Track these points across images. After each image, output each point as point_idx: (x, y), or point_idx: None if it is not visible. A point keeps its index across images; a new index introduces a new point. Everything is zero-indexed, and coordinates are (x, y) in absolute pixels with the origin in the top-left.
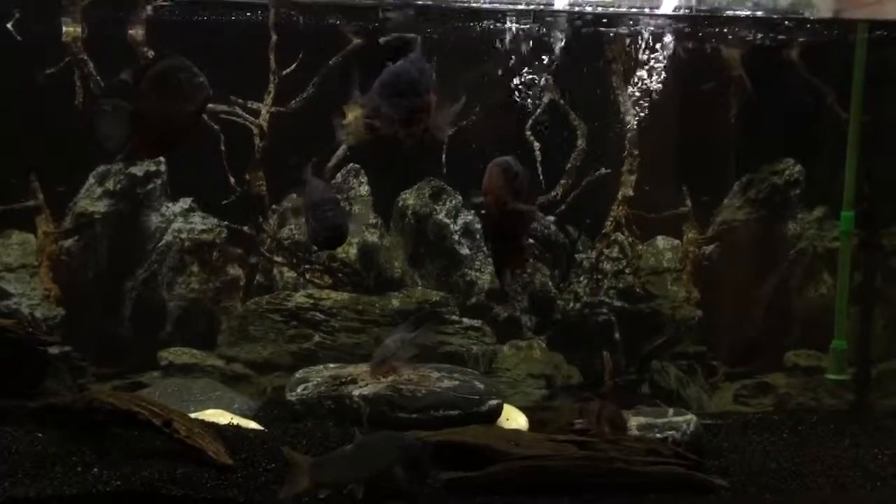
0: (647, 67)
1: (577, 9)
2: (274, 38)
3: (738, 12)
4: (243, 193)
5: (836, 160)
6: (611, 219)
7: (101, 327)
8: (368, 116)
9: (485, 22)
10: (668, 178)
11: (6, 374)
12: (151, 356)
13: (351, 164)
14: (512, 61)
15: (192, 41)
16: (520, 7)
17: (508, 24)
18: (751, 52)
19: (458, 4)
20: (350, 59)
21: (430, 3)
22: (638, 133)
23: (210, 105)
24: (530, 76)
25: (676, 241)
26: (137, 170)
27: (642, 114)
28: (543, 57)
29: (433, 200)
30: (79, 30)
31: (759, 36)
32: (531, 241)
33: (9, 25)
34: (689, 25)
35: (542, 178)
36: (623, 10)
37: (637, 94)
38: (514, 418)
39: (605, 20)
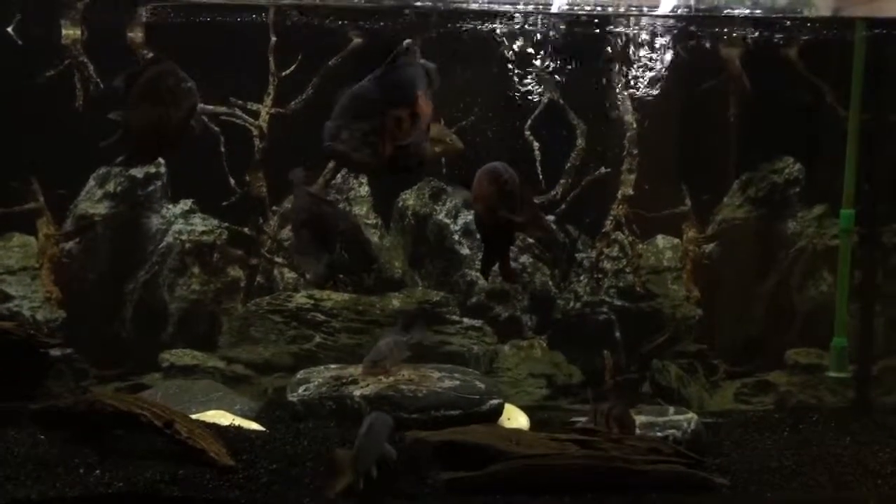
0: (645, 67)
1: (575, 9)
2: (273, 39)
3: (736, 11)
4: (243, 195)
5: (836, 158)
6: (611, 218)
7: (102, 329)
8: (324, 143)
9: (478, 22)
10: (667, 177)
11: (8, 377)
12: (153, 358)
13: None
14: (512, 61)
15: (193, 43)
16: (519, 7)
17: (503, 25)
18: (749, 50)
19: (454, 5)
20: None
21: (428, 3)
22: (637, 132)
23: (209, 107)
24: (532, 75)
25: (676, 240)
26: (138, 172)
27: (642, 113)
28: (543, 56)
29: (433, 201)
30: (78, 32)
31: (758, 34)
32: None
33: (9, 29)
34: (687, 25)
35: (541, 177)
36: (622, 10)
37: (636, 93)
38: (515, 418)
39: (603, 20)
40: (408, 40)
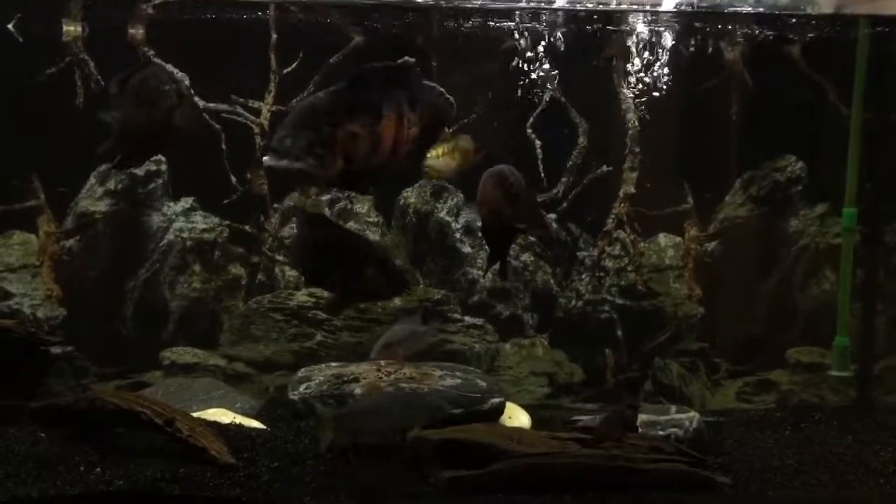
0: (647, 65)
1: (577, 6)
2: (274, 36)
3: (739, 9)
4: (245, 192)
5: (838, 156)
6: (613, 216)
7: (103, 327)
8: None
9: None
10: (669, 175)
11: (8, 374)
12: (153, 356)
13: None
14: (514, 59)
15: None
16: (520, 5)
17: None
18: (752, 48)
19: (457, 4)
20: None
21: (430, 2)
22: (639, 130)
23: (211, 105)
24: (535, 73)
25: (678, 239)
26: (138, 169)
27: (643, 111)
28: (544, 54)
29: (434, 199)
30: (79, 29)
31: (761, 32)
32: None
33: (10, 26)
34: (689, 22)
35: (543, 175)
36: (623, 6)
37: (638, 91)
38: (516, 416)
39: (604, 17)
40: (407, 58)
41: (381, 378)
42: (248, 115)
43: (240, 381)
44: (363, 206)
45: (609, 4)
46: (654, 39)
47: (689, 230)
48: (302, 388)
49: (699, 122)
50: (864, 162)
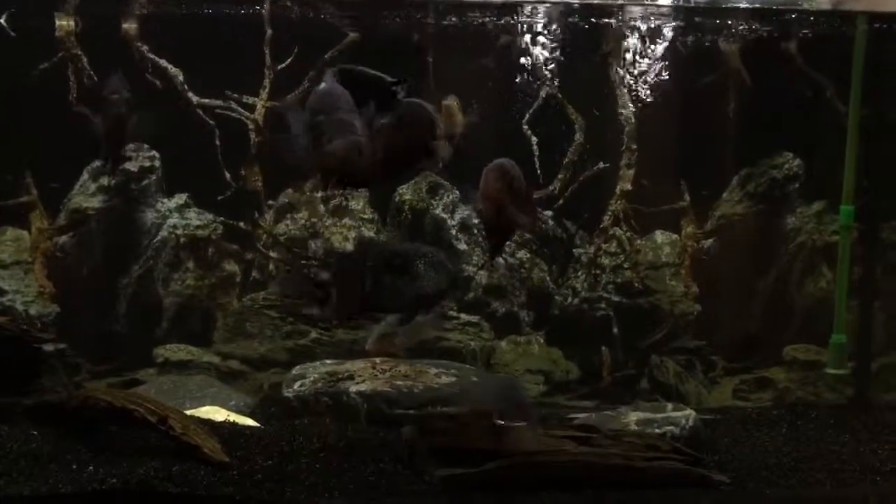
0: (644, 60)
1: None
2: (269, 32)
3: (736, 4)
4: (239, 189)
5: (836, 154)
6: (609, 213)
7: (96, 324)
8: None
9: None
10: (666, 172)
11: (0, 372)
12: (147, 353)
13: None
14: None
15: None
16: None
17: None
18: (749, 44)
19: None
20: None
21: None
22: (636, 127)
23: (205, 101)
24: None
25: (675, 236)
26: (132, 165)
27: (640, 107)
28: (541, 49)
29: (430, 195)
30: (72, 24)
31: (758, 28)
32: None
33: (2, 20)
34: (686, 17)
35: (539, 172)
36: (621, 1)
37: (634, 87)
38: None
39: (601, 12)
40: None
41: (375, 375)
42: (242, 110)
43: (234, 378)
44: (358, 203)
45: None
46: (651, 35)
47: (686, 227)
48: (297, 385)
49: (696, 118)
50: (862, 159)
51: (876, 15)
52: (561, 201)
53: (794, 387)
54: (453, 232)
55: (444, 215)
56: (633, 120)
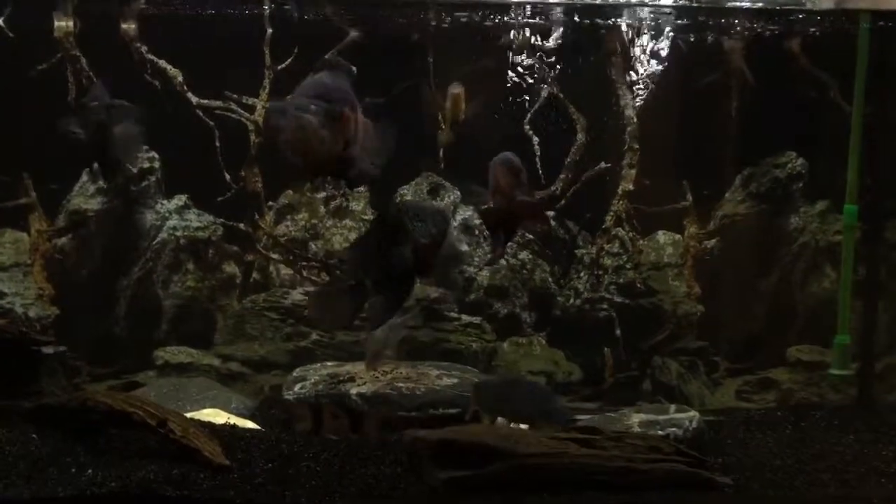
0: (646, 60)
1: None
2: (269, 31)
3: (739, 4)
4: (239, 190)
5: (839, 153)
6: (611, 213)
7: (95, 326)
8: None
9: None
10: (668, 172)
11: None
12: (147, 355)
13: None
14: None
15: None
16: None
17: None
18: (752, 43)
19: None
20: None
21: None
22: (638, 126)
23: (205, 102)
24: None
25: (678, 236)
26: (131, 166)
27: (642, 107)
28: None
29: (431, 196)
30: (70, 24)
31: (761, 27)
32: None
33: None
34: (689, 17)
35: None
36: (623, 0)
37: (637, 86)
38: None
39: (603, 11)
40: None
41: (377, 378)
42: (241, 111)
43: (234, 380)
44: (359, 203)
45: None
46: (653, 34)
47: (689, 227)
48: (297, 387)
49: (699, 117)
50: (866, 158)
51: (879, 13)
52: (563, 202)
53: (798, 387)
54: (454, 233)
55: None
56: (634, 119)
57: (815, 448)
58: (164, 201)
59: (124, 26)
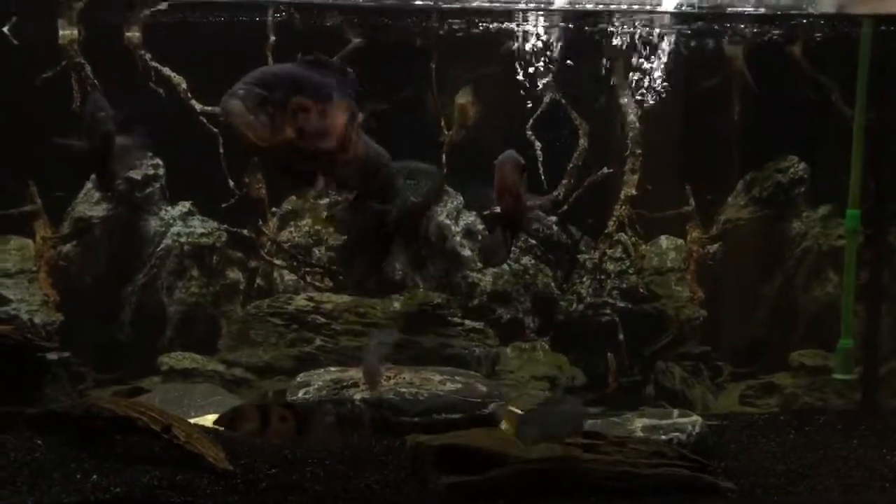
0: (649, 66)
1: (577, 7)
2: (272, 38)
3: (740, 9)
4: (243, 196)
5: (842, 157)
6: (614, 218)
7: (100, 332)
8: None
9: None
10: (671, 178)
11: (4, 381)
12: (151, 361)
13: None
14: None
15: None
16: (520, 6)
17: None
18: (754, 48)
19: (457, 6)
20: None
21: (430, 3)
22: (640, 132)
23: (208, 108)
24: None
25: (680, 241)
26: (136, 174)
27: (645, 112)
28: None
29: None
30: (75, 32)
31: (762, 32)
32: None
33: (5, 29)
34: (691, 22)
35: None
36: (624, 7)
37: (639, 92)
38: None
39: (605, 18)
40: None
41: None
42: None
43: (238, 386)
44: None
45: (609, 4)
46: (655, 40)
47: (691, 232)
48: (301, 393)
49: (701, 123)
50: (868, 163)
51: (881, 17)
52: (566, 207)
53: (802, 392)
54: (458, 238)
55: (448, 221)
56: (637, 125)
57: (819, 453)
58: (169, 208)
59: (128, 34)
